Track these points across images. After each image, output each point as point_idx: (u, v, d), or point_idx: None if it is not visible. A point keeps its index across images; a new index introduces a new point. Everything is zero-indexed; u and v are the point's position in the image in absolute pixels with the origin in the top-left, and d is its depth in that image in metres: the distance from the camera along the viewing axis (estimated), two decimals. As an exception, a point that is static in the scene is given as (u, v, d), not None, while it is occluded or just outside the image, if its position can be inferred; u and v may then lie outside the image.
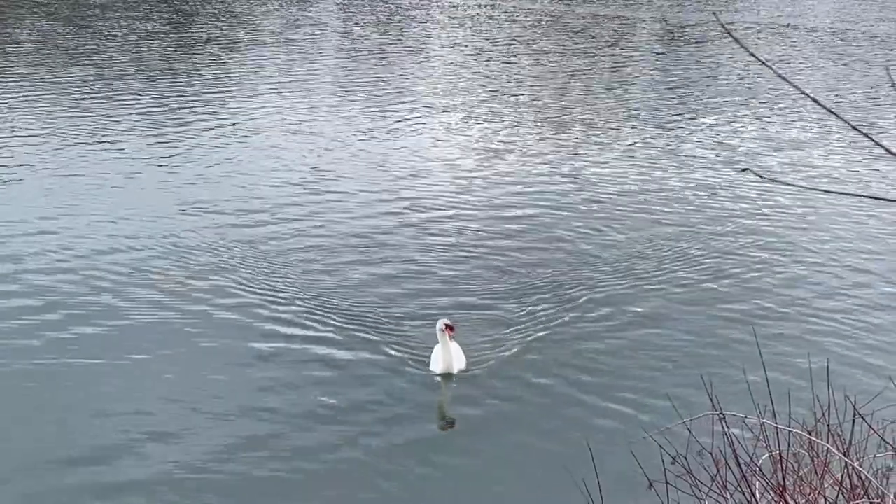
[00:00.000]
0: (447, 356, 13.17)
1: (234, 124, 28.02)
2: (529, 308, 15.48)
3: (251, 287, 16.09)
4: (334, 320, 14.84)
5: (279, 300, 15.55)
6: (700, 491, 5.90)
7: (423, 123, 28.83)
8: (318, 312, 15.12)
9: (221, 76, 36.19)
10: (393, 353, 13.87)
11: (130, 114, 28.99)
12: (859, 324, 15.15)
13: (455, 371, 13.22)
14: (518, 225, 19.73)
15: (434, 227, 19.42)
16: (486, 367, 13.59)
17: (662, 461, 5.86)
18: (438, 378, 13.16)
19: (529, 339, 14.39)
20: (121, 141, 25.62)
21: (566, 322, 15.02)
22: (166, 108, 29.86)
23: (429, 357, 13.51)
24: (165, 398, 12.51)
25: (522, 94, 33.87)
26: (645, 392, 12.87)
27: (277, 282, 16.29)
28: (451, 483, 11.09)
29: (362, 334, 14.38)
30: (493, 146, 26.10)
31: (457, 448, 11.78)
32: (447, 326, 13.03)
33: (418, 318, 14.99)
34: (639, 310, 15.61)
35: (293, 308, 15.28)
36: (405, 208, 20.60)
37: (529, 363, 13.70)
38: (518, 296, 16.02)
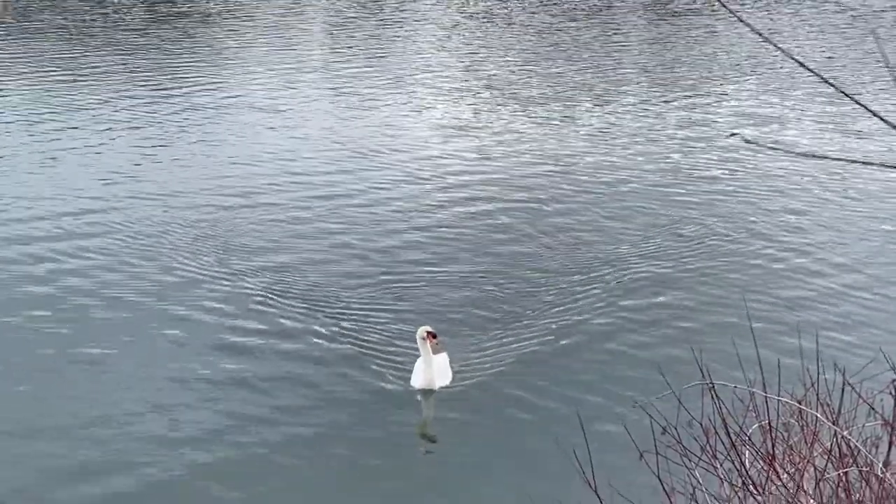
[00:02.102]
0: (428, 370, 11.99)
1: (204, 101, 27.67)
2: (516, 287, 15.32)
3: (205, 272, 15.63)
4: (306, 323, 13.99)
5: (241, 295, 14.85)
6: (690, 460, 5.91)
7: (397, 101, 28.33)
8: (287, 311, 14.32)
9: (194, 53, 35.85)
10: (368, 363, 12.91)
11: (102, 90, 28.72)
12: (849, 294, 15.19)
13: (437, 387, 12.08)
14: (501, 205, 19.31)
15: (412, 217, 18.65)
16: (470, 355, 13.11)
17: (653, 431, 5.87)
18: (419, 395, 12.15)
19: (517, 319, 14.19)
20: (93, 117, 25.41)
21: (555, 296, 14.95)
22: (136, 86, 29.48)
23: (411, 368, 12.39)
24: (143, 396, 12.11)
25: (503, 71, 33.71)
26: (635, 363, 12.89)
27: (241, 274, 15.63)
28: (439, 470, 10.99)
29: (337, 341, 13.49)
30: (474, 125, 25.75)
31: (442, 436, 11.62)
32: (429, 334, 11.91)
33: (399, 321, 14.07)
34: (628, 282, 15.61)
35: (255, 305, 14.53)
36: (382, 193, 19.90)
37: (517, 340, 13.52)
38: (504, 274, 15.86)
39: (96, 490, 10.37)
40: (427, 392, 12.08)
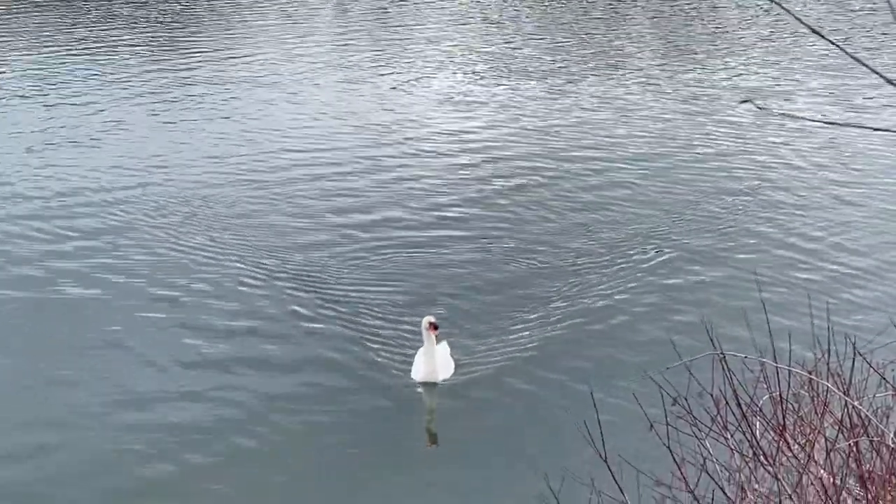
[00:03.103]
0: (431, 362, 11.52)
1: (205, 75, 27.55)
2: (522, 265, 15.22)
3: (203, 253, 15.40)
4: (305, 309, 13.62)
5: (241, 279, 14.54)
6: (700, 431, 5.91)
7: (403, 76, 28.06)
8: (286, 297, 13.95)
9: (197, 26, 35.76)
10: (367, 352, 12.52)
11: (107, 64, 28.69)
12: (861, 264, 15.13)
13: (439, 380, 11.63)
14: (510, 180, 19.08)
15: (417, 197, 18.25)
16: (476, 336, 12.87)
17: (663, 402, 5.86)
18: (420, 388, 11.72)
19: (524, 297, 14.08)
20: (98, 92, 25.40)
21: (562, 272, 14.89)
22: (140, 61, 29.39)
23: (412, 359, 11.97)
24: (141, 385, 11.87)
25: (510, 44, 33.51)
26: (645, 335, 12.87)
27: (242, 256, 15.36)
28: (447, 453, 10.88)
29: (337, 328, 13.13)
30: (482, 100, 25.45)
31: (451, 416, 11.47)
32: (431, 325, 11.41)
33: (402, 307, 13.69)
34: (637, 254, 15.57)
35: (253, 289, 14.22)
36: (387, 173, 19.50)
37: (523, 318, 13.39)
38: (510, 252, 15.73)
39: (97, 479, 10.25)
40: (429, 385, 11.64)
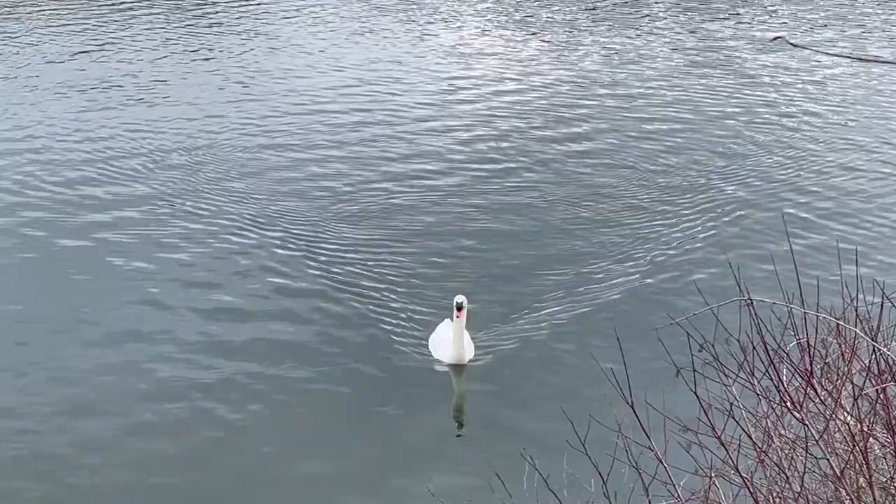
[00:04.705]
0: (459, 342, 11.21)
1: (212, 30, 27.18)
2: (545, 219, 15.13)
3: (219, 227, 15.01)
4: (323, 282, 13.31)
5: (255, 250, 14.22)
6: (727, 377, 5.92)
7: (415, 36, 27.34)
8: (307, 271, 13.59)
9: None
10: (386, 328, 12.20)
11: (114, 23, 28.50)
12: (889, 207, 15.02)
13: (466, 360, 11.41)
14: (530, 138, 18.70)
15: (433, 166, 17.54)
16: (498, 301, 12.69)
17: (690, 348, 5.87)
18: (448, 368, 11.47)
19: (551, 243, 14.10)
20: (107, 52, 25.25)
21: (586, 220, 14.91)
22: (155, 17, 29.17)
23: (427, 337, 11.75)
24: (149, 358, 11.70)
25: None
26: (672, 279, 12.88)
27: (254, 225, 15.02)
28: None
29: (353, 303, 12.80)
30: (503, 54, 24.95)
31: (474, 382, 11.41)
32: (457, 306, 11.02)
33: (421, 281, 13.26)
34: (664, 195, 15.53)
35: (269, 260, 13.91)
36: (396, 142, 18.76)
37: (550, 265, 13.39)
38: (537, 204, 15.65)
39: (116, 451, 10.17)
40: (457, 367, 11.39)
